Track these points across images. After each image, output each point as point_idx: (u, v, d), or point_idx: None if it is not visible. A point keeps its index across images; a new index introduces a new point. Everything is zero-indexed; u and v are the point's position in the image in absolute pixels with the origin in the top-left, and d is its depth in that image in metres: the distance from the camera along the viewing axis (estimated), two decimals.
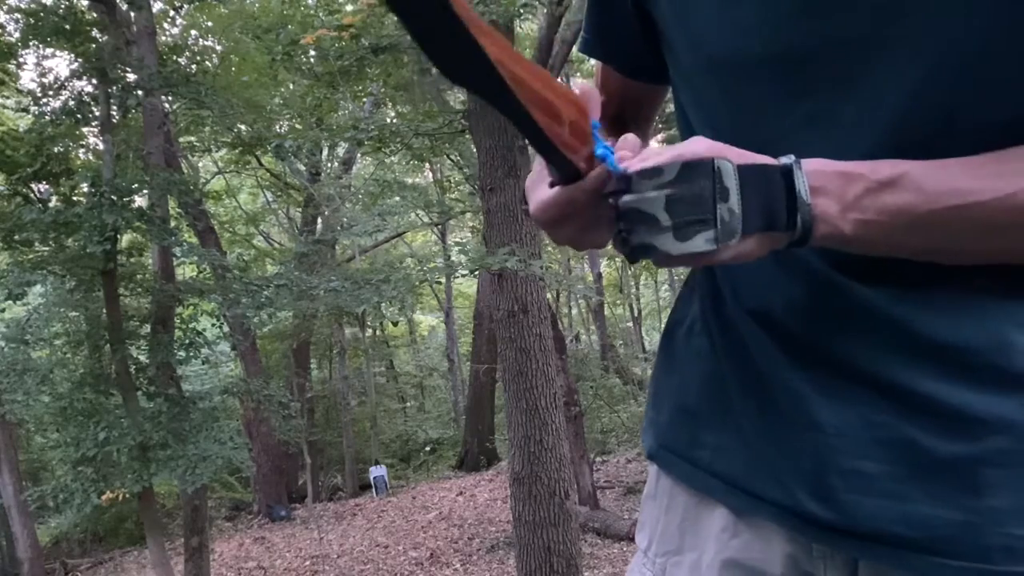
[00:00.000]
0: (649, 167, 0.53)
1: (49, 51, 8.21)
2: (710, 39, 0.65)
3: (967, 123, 0.56)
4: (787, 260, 0.62)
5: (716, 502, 0.72)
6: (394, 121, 9.36)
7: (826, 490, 0.61)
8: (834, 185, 0.54)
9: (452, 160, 10.45)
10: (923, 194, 0.54)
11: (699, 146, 0.54)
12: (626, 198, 0.54)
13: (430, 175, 16.33)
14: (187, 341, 7.45)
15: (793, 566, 0.67)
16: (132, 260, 7.82)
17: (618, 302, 22.24)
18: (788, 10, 0.59)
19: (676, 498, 0.78)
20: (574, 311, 21.80)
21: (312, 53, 7.02)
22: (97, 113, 6.97)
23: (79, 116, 6.91)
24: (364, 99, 10.78)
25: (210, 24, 11.56)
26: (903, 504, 0.58)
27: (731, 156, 0.53)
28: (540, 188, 0.61)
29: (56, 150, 7.17)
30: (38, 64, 8.76)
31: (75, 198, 7.28)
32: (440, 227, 15.98)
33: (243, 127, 9.26)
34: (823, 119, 0.60)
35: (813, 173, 0.55)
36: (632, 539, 8.18)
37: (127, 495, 6.76)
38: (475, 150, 6.62)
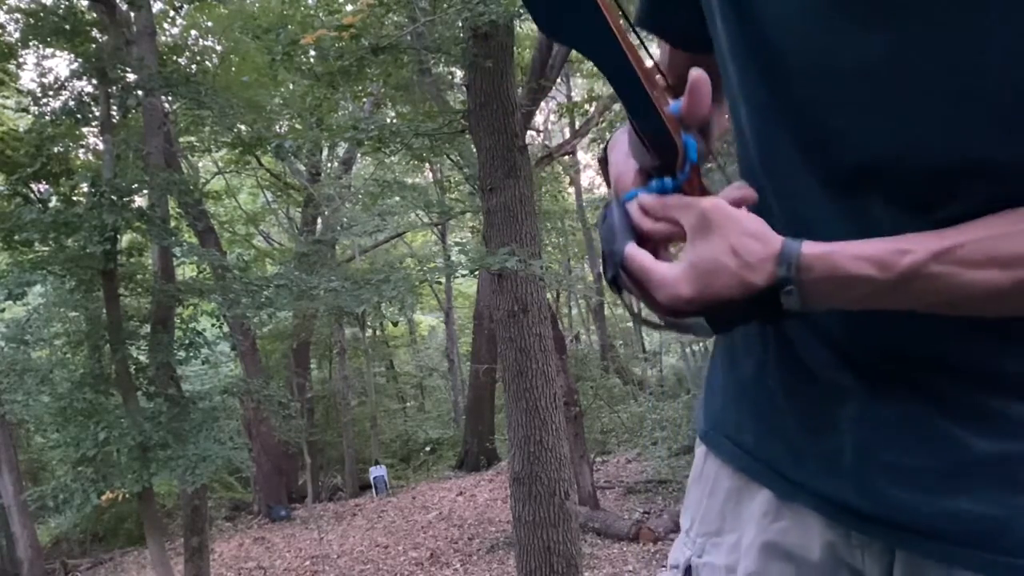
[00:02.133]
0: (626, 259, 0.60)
1: (49, 51, 8.23)
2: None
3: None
4: None
5: (758, 487, 0.75)
6: (394, 121, 9.36)
7: (867, 482, 0.64)
8: (832, 289, 0.56)
9: (452, 160, 10.44)
10: (956, 282, 0.54)
11: (677, 290, 0.58)
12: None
13: (430, 175, 16.33)
14: (187, 341, 7.45)
15: (831, 553, 0.69)
16: (132, 260, 7.82)
17: (618, 302, 22.20)
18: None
19: (720, 482, 0.80)
20: (574, 311, 21.80)
21: (312, 53, 7.02)
22: (97, 113, 6.97)
23: (79, 116, 6.91)
24: (364, 99, 10.79)
25: (210, 24, 11.57)
26: (943, 498, 0.60)
27: (704, 293, 0.57)
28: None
29: (56, 150, 7.17)
30: (38, 64, 8.77)
31: (75, 198, 7.28)
32: (440, 227, 15.97)
33: (243, 127, 9.25)
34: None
35: (809, 282, 0.56)
36: (632, 539, 8.19)
37: (127, 495, 6.76)
38: (475, 150, 6.62)
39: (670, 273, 0.59)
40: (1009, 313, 0.56)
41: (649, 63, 0.58)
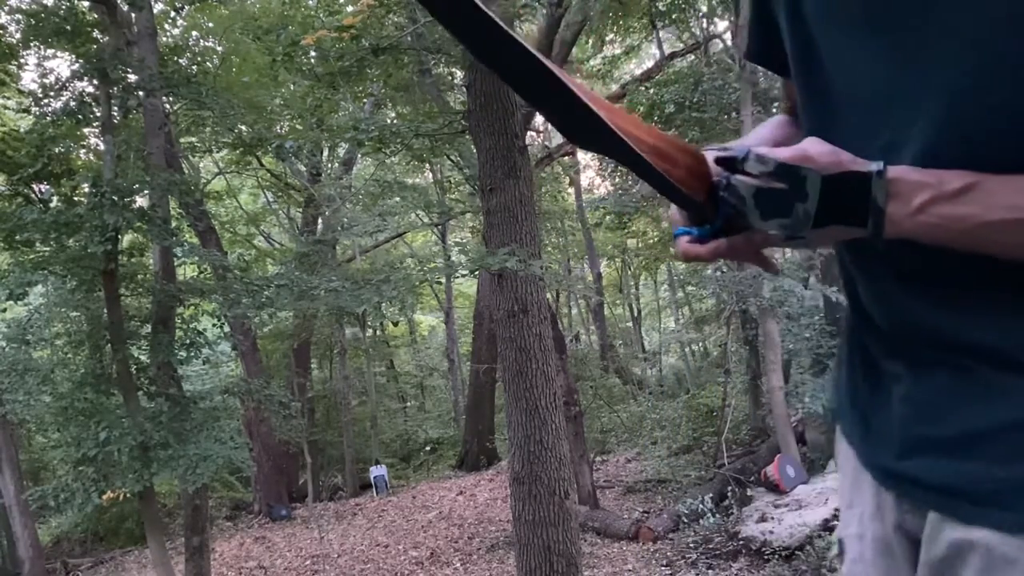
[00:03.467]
0: (760, 153, 0.68)
1: (50, 52, 8.23)
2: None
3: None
4: (877, 291, 0.80)
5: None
6: (394, 122, 9.37)
7: (905, 451, 0.76)
8: (907, 192, 0.66)
9: (452, 160, 10.45)
10: (985, 206, 0.64)
11: (809, 149, 0.68)
12: (735, 177, 0.70)
13: (430, 175, 16.34)
14: (188, 341, 7.46)
15: (895, 521, 0.82)
16: (133, 260, 7.83)
17: (617, 302, 22.26)
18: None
19: (847, 461, 0.92)
20: (574, 311, 21.81)
21: (312, 54, 7.04)
22: (98, 114, 6.98)
23: (80, 117, 6.91)
24: (364, 100, 10.80)
25: (211, 25, 11.58)
26: (966, 463, 0.70)
27: (825, 162, 0.67)
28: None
29: (57, 151, 7.18)
30: (39, 65, 8.74)
31: (76, 198, 7.29)
32: (440, 227, 15.99)
33: (244, 128, 9.27)
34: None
35: (893, 180, 0.67)
36: (631, 539, 8.20)
37: (128, 495, 6.76)
38: (475, 150, 6.63)
39: (810, 144, 0.70)
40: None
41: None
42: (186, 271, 9.62)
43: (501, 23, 0.57)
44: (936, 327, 0.73)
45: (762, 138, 0.94)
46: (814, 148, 0.68)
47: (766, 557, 6.49)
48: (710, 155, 0.73)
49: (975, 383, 0.70)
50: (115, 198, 6.21)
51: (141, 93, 7.08)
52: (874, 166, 0.67)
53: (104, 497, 6.55)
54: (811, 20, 0.78)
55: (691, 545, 7.45)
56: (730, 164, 0.70)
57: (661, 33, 12.96)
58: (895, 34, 0.70)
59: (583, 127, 0.63)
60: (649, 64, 14.29)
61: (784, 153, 0.68)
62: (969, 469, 0.69)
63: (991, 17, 0.63)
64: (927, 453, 0.74)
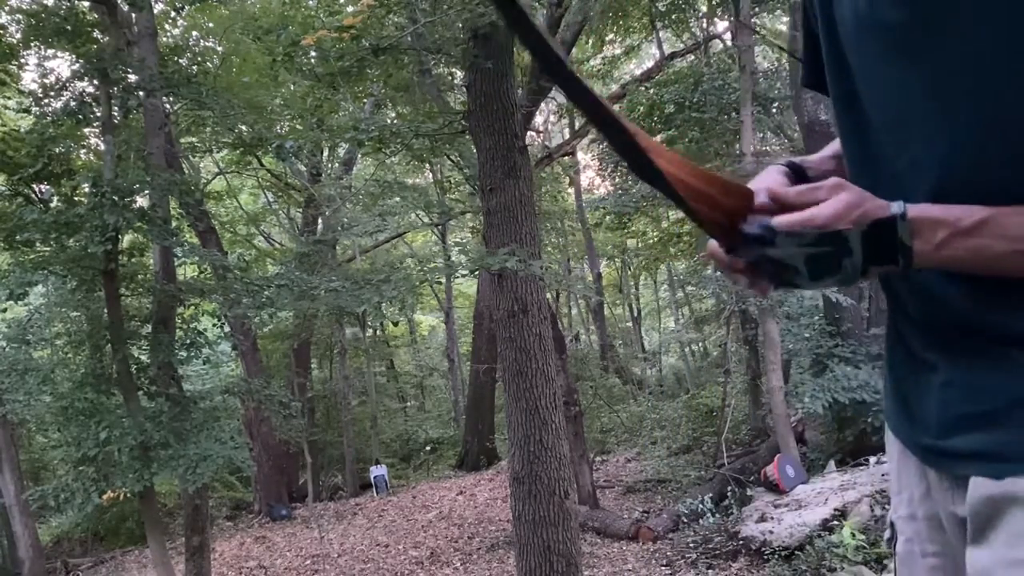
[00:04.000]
0: (795, 231, 0.74)
1: (50, 52, 8.23)
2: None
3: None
4: (915, 289, 0.86)
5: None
6: (394, 122, 9.38)
7: (944, 431, 0.83)
8: (928, 230, 0.74)
9: (452, 160, 10.45)
10: (997, 239, 0.72)
11: (838, 206, 0.74)
12: (772, 252, 0.76)
13: (430, 175, 16.34)
14: (188, 341, 7.46)
15: (942, 497, 0.88)
16: (133, 260, 7.83)
17: (617, 302, 22.26)
18: None
19: (892, 447, 1.00)
20: (574, 311, 21.82)
21: (313, 54, 7.03)
22: (98, 114, 6.98)
23: (80, 117, 6.92)
24: (364, 100, 10.80)
25: (211, 25, 11.58)
26: (996, 432, 0.76)
27: (856, 217, 0.73)
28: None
29: (57, 151, 7.18)
30: (39, 65, 8.73)
31: (76, 198, 7.29)
32: (440, 227, 15.99)
33: (244, 128, 9.26)
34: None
35: (914, 220, 0.74)
36: (631, 538, 8.21)
37: (128, 494, 6.77)
38: (475, 150, 6.63)
39: (820, 207, 0.75)
40: None
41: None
42: (186, 271, 9.62)
43: (583, 80, 0.68)
44: (973, 319, 0.80)
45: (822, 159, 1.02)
46: (842, 204, 0.74)
47: (766, 557, 6.49)
48: (765, 188, 0.79)
49: (1010, 366, 0.76)
50: (115, 198, 6.21)
51: (141, 93, 7.09)
52: (896, 207, 0.74)
53: (104, 497, 6.56)
54: (844, 42, 0.86)
55: (691, 545, 7.45)
56: (760, 242, 0.76)
57: (661, 33, 12.96)
58: (921, 63, 0.76)
59: (638, 163, 0.72)
60: (649, 64, 14.29)
61: (819, 218, 0.74)
62: (1002, 435, 0.76)
63: (1008, 67, 0.70)
64: (965, 430, 0.80)
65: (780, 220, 0.75)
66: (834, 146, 1.04)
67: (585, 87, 0.69)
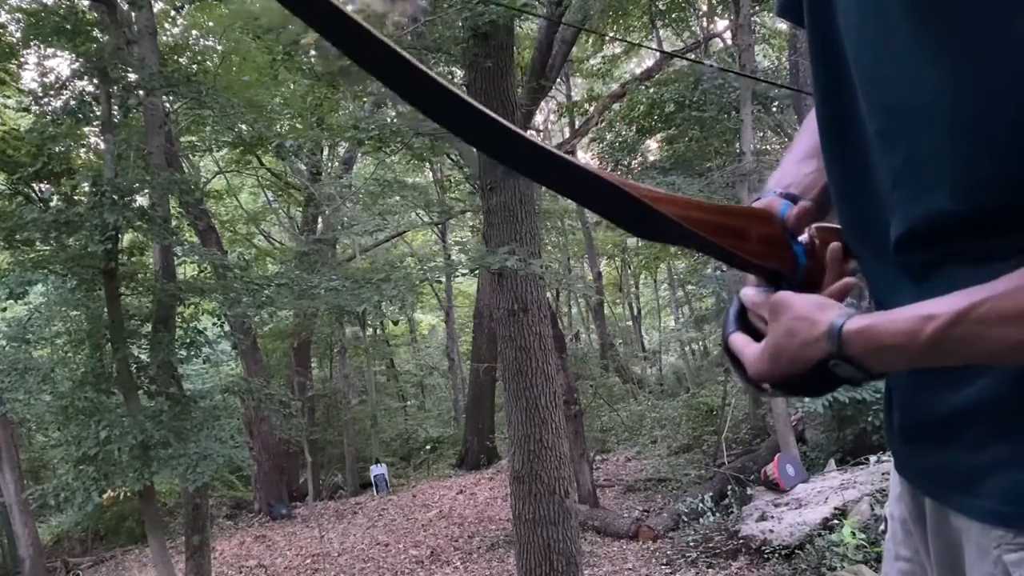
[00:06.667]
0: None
1: (50, 51, 8.23)
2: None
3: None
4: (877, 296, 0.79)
5: None
6: (394, 121, 9.37)
7: (901, 444, 0.79)
8: (876, 358, 0.64)
9: (452, 159, 10.46)
10: (990, 326, 0.57)
11: (760, 366, 0.72)
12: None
13: (430, 174, 16.33)
14: (188, 340, 7.46)
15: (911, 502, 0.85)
16: (133, 259, 7.83)
17: (617, 301, 22.25)
18: None
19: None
20: (574, 310, 21.81)
21: (313, 53, 7.03)
22: (98, 113, 6.99)
23: (80, 116, 6.92)
24: (364, 99, 10.79)
25: (211, 24, 11.57)
26: (937, 451, 0.72)
27: (784, 364, 0.69)
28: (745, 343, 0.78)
29: (57, 150, 7.18)
30: (39, 64, 8.73)
31: (76, 197, 7.29)
32: (440, 226, 15.98)
33: (244, 127, 9.25)
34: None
35: (863, 356, 0.63)
36: (631, 537, 8.21)
37: (128, 493, 6.78)
38: (475, 150, 6.62)
39: (754, 354, 0.73)
40: None
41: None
42: (186, 270, 9.62)
43: (564, 155, 0.63)
44: None
45: (787, 176, 0.90)
46: (764, 362, 0.71)
47: (766, 556, 6.49)
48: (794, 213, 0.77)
49: (948, 376, 0.68)
50: (115, 197, 6.21)
51: (141, 92, 7.09)
52: (827, 344, 0.65)
53: (104, 496, 6.56)
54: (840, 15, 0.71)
55: (691, 544, 7.45)
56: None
57: (661, 32, 12.96)
58: (947, 36, 0.60)
59: (642, 222, 0.68)
60: (649, 63, 14.28)
61: (750, 368, 0.73)
62: (940, 457, 0.71)
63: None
64: (912, 441, 0.77)
65: (732, 340, 0.77)
66: (805, 144, 0.92)
67: (567, 161, 0.64)
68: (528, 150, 0.64)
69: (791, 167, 0.92)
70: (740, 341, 0.76)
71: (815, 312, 0.67)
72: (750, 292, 0.77)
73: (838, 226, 0.79)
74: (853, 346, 0.63)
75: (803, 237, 0.78)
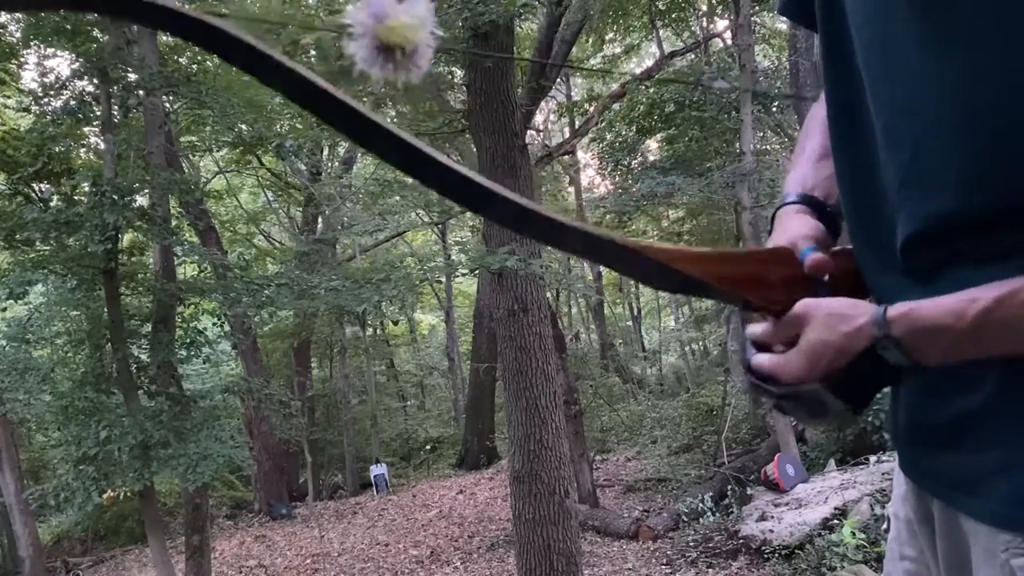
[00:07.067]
0: (762, 385, 0.73)
1: (50, 51, 8.21)
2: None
3: None
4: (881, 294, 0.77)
5: None
6: (394, 121, 9.37)
7: (906, 446, 0.80)
8: (926, 342, 0.63)
9: (452, 160, 10.43)
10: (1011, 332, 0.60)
11: (799, 365, 0.69)
12: (767, 392, 0.73)
13: None
14: (188, 340, 7.46)
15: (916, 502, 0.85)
16: (133, 259, 7.83)
17: (617, 301, 22.25)
18: None
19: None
20: (574, 310, 21.80)
21: (312, 53, 7.03)
22: (98, 113, 6.98)
23: (80, 116, 6.92)
24: (364, 99, 10.79)
25: None
26: (945, 453, 0.71)
27: (824, 363, 0.67)
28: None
29: (57, 150, 7.18)
30: (39, 64, 8.73)
31: (76, 197, 7.30)
32: (440, 226, 15.98)
33: (244, 127, 9.26)
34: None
35: (906, 336, 0.63)
36: (631, 537, 8.21)
37: (128, 494, 6.77)
38: (475, 150, 6.63)
39: (786, 360, 0.71)
40: None
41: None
42: (186, 270, 9.61)
43: (591, 228, 0.66)
44: None
45: (808, 178, 0.90)
46: (804, 360, 0.68)
47: (766, 556, 6.49)
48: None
49: (956, 378, 0.68)
50: (115, 197, 6.21)
51: (141, 92, 7.08)
52: (874, 328, 0.64)
53: (104, 496, 6.56)
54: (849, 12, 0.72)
55: (691, 544, 7.45)
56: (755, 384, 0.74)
57: (661, 32, 12.96)
58: (949, 23, 0.61)
59: (668, 281, 0.70)
60: (649, 63, 14.28)
61: (785, 376, 0.70)
62: (948, 459, 0.70)
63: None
64: (918, 442, 0.76)
65: (756, 362, 0.73)
66: (819, 143, 0.89)
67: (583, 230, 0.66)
68: (548, 226, 0.66)
69: (809, 168, 0.91)
70: (764, 357, 0.74)
71: (850, 307, 0.68)
72: (758, 329, 0.76)
73: (850, 247, 0.79)
74: (898, 327, 0.64)
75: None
